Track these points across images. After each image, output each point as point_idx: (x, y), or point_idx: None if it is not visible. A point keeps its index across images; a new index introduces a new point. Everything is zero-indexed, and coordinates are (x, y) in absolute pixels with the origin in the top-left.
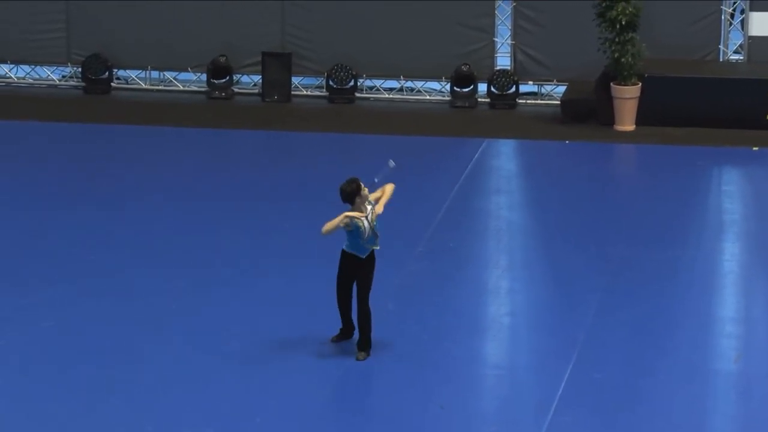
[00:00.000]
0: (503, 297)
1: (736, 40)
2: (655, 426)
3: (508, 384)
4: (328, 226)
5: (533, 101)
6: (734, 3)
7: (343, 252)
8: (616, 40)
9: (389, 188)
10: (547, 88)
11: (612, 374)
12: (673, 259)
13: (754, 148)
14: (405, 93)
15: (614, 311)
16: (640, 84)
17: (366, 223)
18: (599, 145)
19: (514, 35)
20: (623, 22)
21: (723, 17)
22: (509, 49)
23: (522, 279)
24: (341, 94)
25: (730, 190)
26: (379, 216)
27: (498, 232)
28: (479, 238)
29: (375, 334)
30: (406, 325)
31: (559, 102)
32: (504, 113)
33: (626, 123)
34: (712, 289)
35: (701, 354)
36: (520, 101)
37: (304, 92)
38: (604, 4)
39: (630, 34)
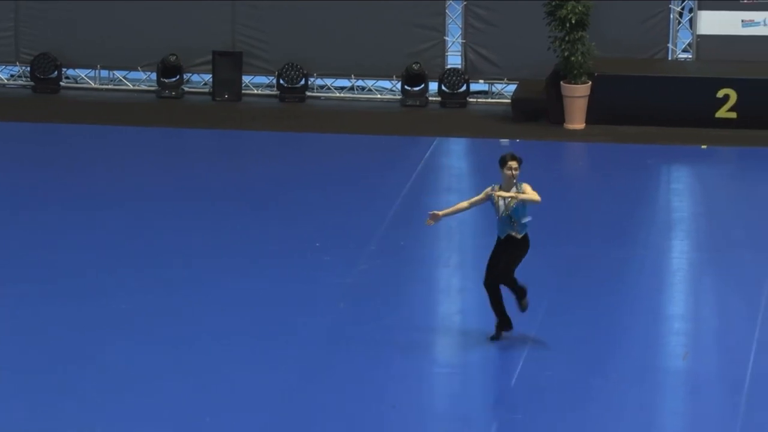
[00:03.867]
0: (454, 295)
1: (684, 38)
2: (606, 424)
3: (460, 382)
4: (475, 199)
5: (484, 100)
6: (683, 2)
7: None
8: (566, 38)
9: (533, 194)
10: (497, 87)
11: (563, 372)
12: (623, 257)
13: (703, 147)
14: (356, 92)
15: (565, 310)
16: (590, 83)
17: (501, 203)
18: (549, 143)
19: (465, 34)
20: (573, 21)
21: (672, 16)
22: (460, 48)
23: (473, 278)
24: (292, 93)
25: (680, 188)
26: (515, 207)
27: (449, 231)
28: (431, 236)
29: (323, 333)
30: (357, 324)
31: (509, 101)
32: (455, 112)
33: (576, 121)
34: (662, 287)
35: (651, 352)
36: (471, 100)
37: (255, 91)
38: (553, 3)
39: (580, 33)
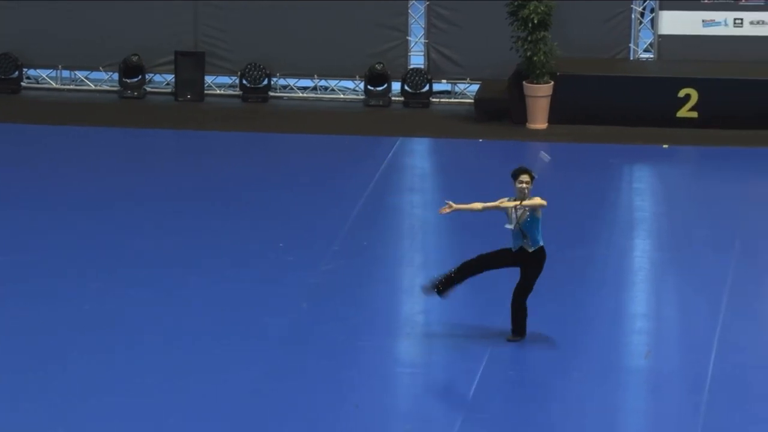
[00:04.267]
0: (417, 295)
1: (646, 38)
2: (569, 423)
3: (423, 382)
4: (489, 204)
5: (447, 100)
6: (644, 2)
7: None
8: (529, 38)
9: (536, 199)
10: (460, 87)
11: (526, 372)
12: (585, 256)
13: (665, 146)
14: (319, 92)
15: (528, 310)
16: (552, 82)
17: (513, 214)
18: (512, 143)
19: (428, 34)
20: (535, 21)
21: (633, 16)
22: (423, 48)
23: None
24: (255, 93)
25: (642, 188)
26: (527, 221)
27: (412, 231)
28: (394, 236)
29: (286, 333)
30: (320, 324)
31: (472, 100)
32: (418, 112)
33: (539, 121)
34: (624, 286)
35: (613, 350)
36: (434, 100)
37: (218, 91)
38: (516, 3)
39: (542, 33)
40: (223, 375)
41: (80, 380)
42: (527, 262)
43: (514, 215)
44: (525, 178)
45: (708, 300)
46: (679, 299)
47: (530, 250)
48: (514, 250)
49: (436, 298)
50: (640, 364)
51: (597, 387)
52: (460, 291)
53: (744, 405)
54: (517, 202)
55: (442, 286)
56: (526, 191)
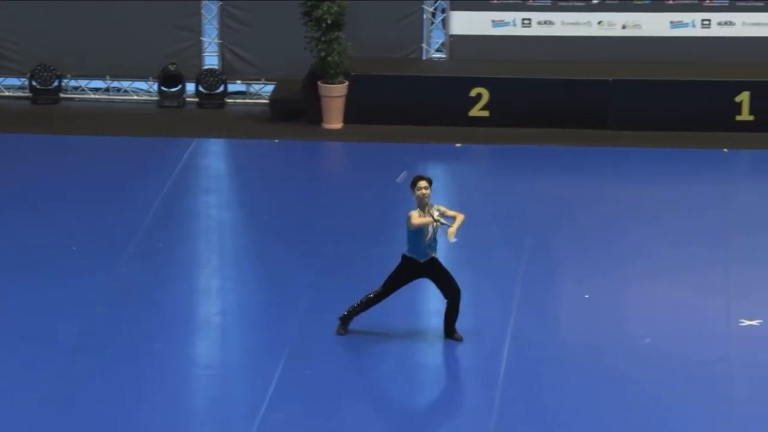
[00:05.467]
0: (214, 297)
1: (438, 38)
2: (366, 421)
3: (220, 383)
4: (419, 220)
5: (242, 100)
6: (435, 2)
7: (404, 257)
8: (323, 39)
9: (461, 217)
10: (255, 87)
11: (323, 370)
12: (381, 255)
13: (458, 145)
14: (111, 93)
15: (325, 308)
16: (347, 82)
17: (430, 229)
18: (308, 143)
19: (222, 34)
20: (329, 21)
21: (425, 16)
22: (217, 48)
23: (233, 278)
24: (45, 94)
25: (435, 186)
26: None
27: (208, 232)
28: (190, 238)
29: (81, 338)
30: (117, 327)
31: (267, 101)
32: (213, 113)
33: (334, 121)
34: (417, 283)
35: (410, 347)
36: (229, 100)
37: (7, 93)
38: (309, 4)
39: (336, 33)
40: (17, 383)
41: None
42: (435, 266)
43: (430, 229)
44: (423, 183)
45: (500, 296)
46: (472, 295)
47: (435, 256)
48: (422, 261)
49: (234, 298)
50: (436, 359)
51: (393, 384)
52: (254, 292)
53: (536, 398)
54: (430, 220)
55: (345, 320)
56: (427, 197)
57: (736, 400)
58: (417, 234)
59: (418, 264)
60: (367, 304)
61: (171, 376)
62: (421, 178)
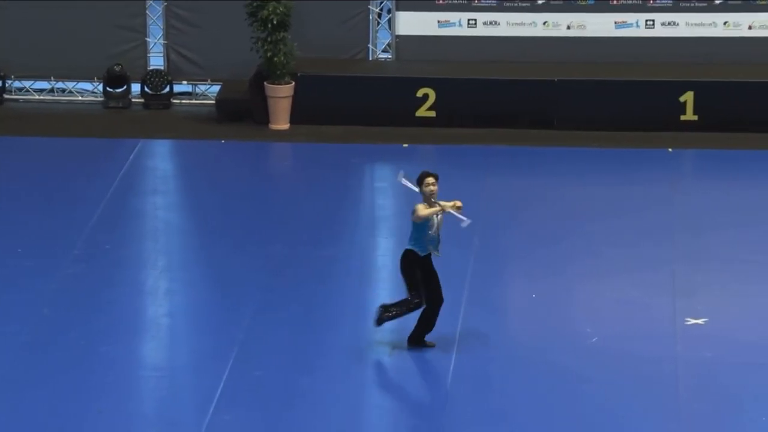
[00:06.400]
0: (161, 298)
1: (384, 39)
2: (314, 421)
3: (168, 385)
4: (426, 211)
5: (188, 101)
6: (381, 3)
7: (409, 252)
8: (269, 39)
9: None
10: (201, 88)
11: (272, 372)
12: (330, 256)
13: (405, 145)
14: (56, 94)
15: (274, 309)
16: (293, 83)
17: (435, 221)
18: (255, 144)
19: (167, 35)
20: (275, 22)
21: (371, 17)
22: (162, 48)
23: (180, 280)
24: None
25: (383, 187)
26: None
27: (155, 233)
28: (136, 239)
29: (26, 341)
30: (63, 330)
31: (214, 101)
32: (159, 113)
33: (281, 122)
34: (368, 285)
35: (358, 348)
36: (175, 101)
37: None
38: (255, 4)
39: (282, 34)
40: None
41: None
42: (429, 265)
43: (436, 221)
44: (430, 180)
45: (449, 295)
46: None
47: (434, 254)
48: (422, 255)
49: (181, 299)
50: (384, 360)
51: (341, 384)
52: (202, 294)
53: (484, 398)
54: (439, 209)
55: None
56: (435, 193)
57: (682, 398)
58: (421, 227)
59: (419, 257)
60: (408, 311)
61: (118, 378)
62: (429, 174)
